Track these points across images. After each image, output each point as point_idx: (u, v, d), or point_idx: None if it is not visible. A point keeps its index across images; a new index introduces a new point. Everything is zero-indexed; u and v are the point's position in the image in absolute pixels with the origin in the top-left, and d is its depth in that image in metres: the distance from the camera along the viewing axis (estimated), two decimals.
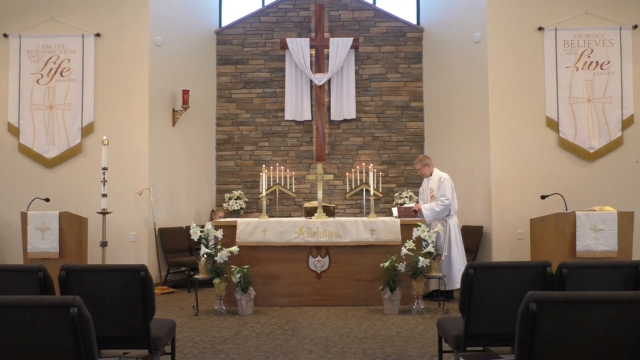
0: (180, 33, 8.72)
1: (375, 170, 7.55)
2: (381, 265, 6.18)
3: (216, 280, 6.12)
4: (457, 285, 6.58)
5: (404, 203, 8.66)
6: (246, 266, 6.22)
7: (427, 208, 6.83)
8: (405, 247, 6.12)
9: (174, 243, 8.23)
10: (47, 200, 7.20)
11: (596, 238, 6.08)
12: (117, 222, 7.58)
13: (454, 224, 6.91)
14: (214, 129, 9.43)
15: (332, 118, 9.23)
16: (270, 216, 7.21)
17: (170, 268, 8.12)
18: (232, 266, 6.20)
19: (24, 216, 6.63)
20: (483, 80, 7.96)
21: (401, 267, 6.09)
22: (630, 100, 7.75)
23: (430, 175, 7.11)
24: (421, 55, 9.40)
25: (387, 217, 7.20)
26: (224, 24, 9.61)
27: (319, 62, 9.13)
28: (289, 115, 9.24)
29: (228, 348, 4.69)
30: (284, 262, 6.59)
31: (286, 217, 8.40)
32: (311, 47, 9.14)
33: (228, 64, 9.47)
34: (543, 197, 6.82)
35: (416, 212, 6.91)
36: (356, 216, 8.57)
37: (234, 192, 9.09)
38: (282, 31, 9.41)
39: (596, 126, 7.76)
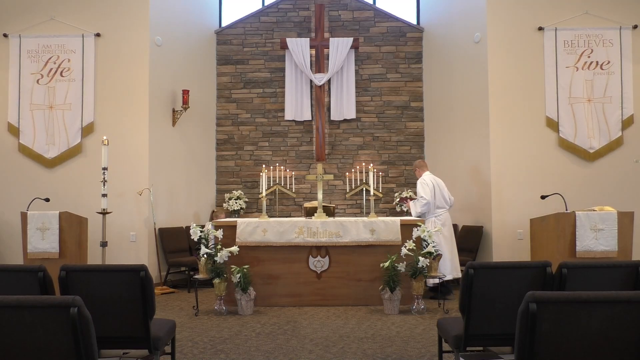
0: (180, 33, 8.72)
1: (375, 170, 7.55)
2: (381, 265, 6.18)
3: (216, 280, 6.12)
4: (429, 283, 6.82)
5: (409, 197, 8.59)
6: (246, 266, 6.22)
7: (412, 204, 7.26)
8: (405, 247, 6.12)
9: (174, 243, 8.22)
10: (47, 200, 7.19)
11: (596, 238, 6.08)
12: (117, 222, 7.58)
13: (431, 223, 6.97)
14: (214, 129, 9.43)
15: (332, 118, 9.23)
16: (270, 216, 7.21)
17: (170, 268, 8.12)
18: (232, 266, 6.20)
19: (24, 216, 6.63)
20: (483, 80, 7.95)
21: (401, 267, 6.09)
22: (630, 100, 7.75)
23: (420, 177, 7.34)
24: (421, 55, 9.40)
25: (387, 217, 7.21)
26: (224, 24, 9.61)
27: (319, 62, 9.13)
28: (289, 115, 9.24)
29: (228, 348, 4.69)
30: (284, 262, 6.59)
31: (286, 217, 8.40)
32: (311, 47, 9.14)
33: (228, 64, 9.47)
34: (543, 197, 6.82)
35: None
36: (356, 216, 8.57)
37: (234, 192, 9.09)
38: (282, 31, 9.41)
39: (596, 126, 7.76)
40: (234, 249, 6.29)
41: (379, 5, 9.60)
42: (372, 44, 9.39)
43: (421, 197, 7.03)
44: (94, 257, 6.98)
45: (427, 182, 7.11)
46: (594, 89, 7.78)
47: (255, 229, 6.57)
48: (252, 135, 9.41)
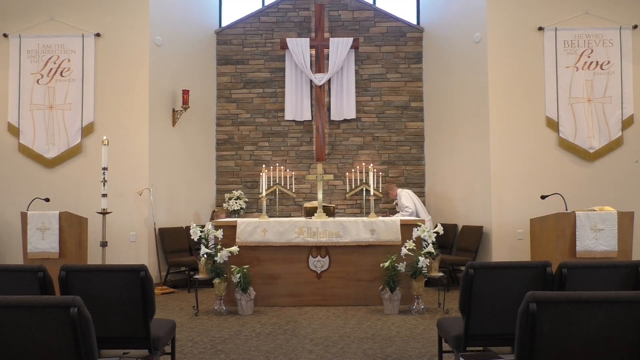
0: (180, 33, 8.72)
1: (375, 170, 7.56)
2: (381, 265, 6.18)
3: (216, 280, 6.12)
4: None
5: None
6: (246, 266, 6.22)
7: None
8: (405, 247, 6.12)
9: (174, 243, 8.22)
10: (47, 200, 7.19)
11: (596, 238, 6.07)
12: (117, 222, 7.57)
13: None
14: (214, 129, 9.43)
15: (332, 118, 9.23)
16: (270, 216, 7.21)
17: (170, 268, 8.12)
18: (232, 266, 6.20)
19: (24, 216, 6.63)
20: (483, 80, 7.95)
21: (401, 267, 6.09)
22: (630, 100, 7.74)
23: (397, 196, 8.24)
24: (421, 55, 9.39)
25: (387, 217, 7.21)
26: (224, 24, 9.61)
27: (319, 62, 9.13)
28: (289, 115, 9.23)
29: (228, 348, 4.69)
30: (284, 262, 6.59)
31: (286, 217, 8.40)
32: (311, 47, 9.14)
33: (228, 64, 9.47)
34: (543, 197, 6.82)
35: None
36: (356, 216, 8.57)
37: (234, 192, 9.09)
38: (282, 31, 9.41)
39: (596, 126, 7.76)
40: (234, 249, 6.29)
41: (379, 5, 9.60)
42: (372, 44, 9.39)
43: (406, 207, 7.92)
44: (94, 257, 6.98)
45: (409, 194, 8.14)
46: (594, 89, 7.78)
47: (255, 229, 6.57)
48: (252, 135, 9.41)
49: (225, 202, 9.00)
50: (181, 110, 8.46)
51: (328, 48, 9.10)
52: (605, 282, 3.49)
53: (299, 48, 9.08)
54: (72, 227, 6.62)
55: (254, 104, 9.43)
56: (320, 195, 6.98)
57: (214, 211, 8.84)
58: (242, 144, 9.41)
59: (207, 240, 6.28)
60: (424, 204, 8.90)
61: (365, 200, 8.73)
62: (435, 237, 6.19)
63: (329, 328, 5.39)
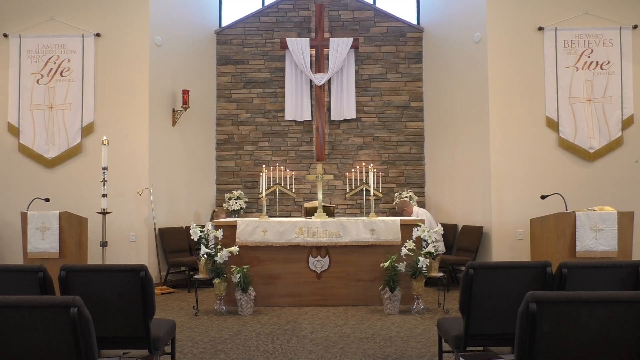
0: (180, 33, 8.72)
1: (375, 170, 7.56)
2: (381, 265, 6.18)
3: (216, 280, 6.12)
4: None
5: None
6: (246, 266, 6.22)
7: None
8: (405, 247, 6.12)
9: (174, 243, 8.22)
10: (47, 200, 7.19)
11: (596, 238, 6.07)
12: (117, 222, 7.57)
13: None
14: (214, 129, 9.43)
15: (332, 118, 9.23)
16: (270, 216, 7.21)
17: (170, 268, 8.12)
18: (232, 266, 6.20)
19: (24, 216, 6.63)
20: (483, 80, 7.95)
21: (401, 267, 6.09)
22: (630, 100, 7.74)
23: (412, 213, 8.08)
24: (421, 55, 9.39)
25: (387, 217, 7.21)
26: (224, 24, 9.61)
27: (319, 62, 9.13)
28: (289, 115, 9.23)
29: (228, 348, 4.69)
30: (284, 262, 6.59)
31: (286, 217, 8.40)
32: (311, 47, 9.14)
33: (228, 64, 9.47)
34: (543, 197, 6.82)
35: None
36: (356, 216, 8.57)
37: (234, 192, 9.09)
38: (282, 31, 9.41)
39: (596, 126, 7.76)
40: (234, 249, 6.29)
41: (379, 5, 9.60)
42: (372, 44, 9.39)
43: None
44: (94, 257, 6.98)
45: (425, 214, 8.12)
46: (594, 89, 7.78)
47: (255, 229, 6.57)
48: (252, 135, 9.41)
49: (225, 202, 9.00)
50: (181, 110, 8.47)
51: (328, 48, 9.10)
52: (605, 282, 3.49)
53: (299, 48, 9.08)
54: (72, 227, 6.62)
55: (254, 104, 9.43)
56: (320, 195, 6.98)
57: (214, 211, 8.84)
58: (242, 144, 9.41)
59: (207, 240, 6.28)
60: (424, 205, 8.93)
61: (365, 200, 8.72)
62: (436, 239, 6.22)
63: (329, 328, 5.39)
